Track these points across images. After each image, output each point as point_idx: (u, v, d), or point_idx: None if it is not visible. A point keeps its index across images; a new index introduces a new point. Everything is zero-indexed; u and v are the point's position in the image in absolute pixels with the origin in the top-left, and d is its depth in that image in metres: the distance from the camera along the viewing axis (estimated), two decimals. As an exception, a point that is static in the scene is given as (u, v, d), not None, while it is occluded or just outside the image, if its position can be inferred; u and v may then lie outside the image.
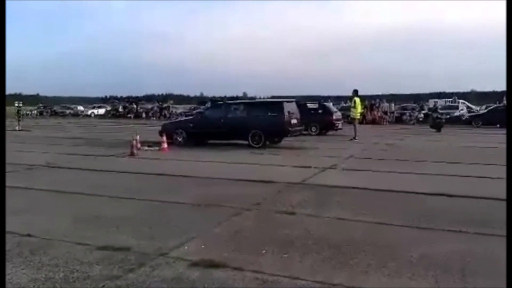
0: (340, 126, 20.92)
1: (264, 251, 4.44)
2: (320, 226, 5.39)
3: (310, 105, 21.08)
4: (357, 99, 18.04)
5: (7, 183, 8.03)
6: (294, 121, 15.03)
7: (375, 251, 4.42)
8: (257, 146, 14.22)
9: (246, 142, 14.47)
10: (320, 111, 20.77)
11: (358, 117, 18.16)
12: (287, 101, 16.08)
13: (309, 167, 9.95)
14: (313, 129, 19.71)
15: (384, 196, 7.11)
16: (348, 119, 20.30)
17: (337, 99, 50.21)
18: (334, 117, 20.90)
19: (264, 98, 48.49)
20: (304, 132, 16.76)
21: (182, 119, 22.07)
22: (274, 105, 15.56)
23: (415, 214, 5.85)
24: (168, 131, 15.33)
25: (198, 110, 28.84)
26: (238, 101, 20.71)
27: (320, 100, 28.13)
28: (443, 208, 6.26)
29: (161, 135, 14.83)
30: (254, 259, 4.22)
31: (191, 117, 20.57)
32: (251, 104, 16.97)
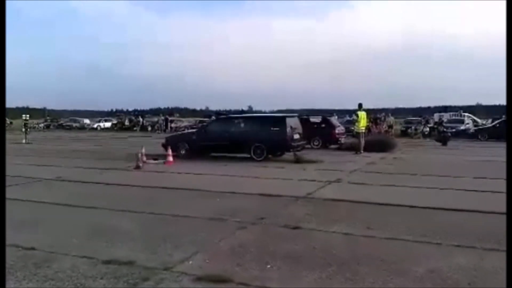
0: (343, 140, 20.95)
1: (268, 266, 4.41)
2: (325, 240, 5.36)
3: (313, 119, 21.17)
4: (361, 113, 18.01)
5: (14, 196, 8.12)
6: (296, 135, 15.22)
7: (381, 266, 4.38)
8: (259, 159, 14.35)
9: (249, 156, 14.56)
10: (323, 125, 20.87)
11: (362, 130, 18.10)
12: (290, 116, 16.22)
13: (314, 180, 9.93)
14: (316, 143, 19.73)
15: (391, 210, 7.06)
16: (353, 133, 20.24)
17: (342, 113, 50.26)
18: (336, 131, 20.96)
19: (269, 112, 48.66)
20: (307, 146, 16.76)
21: (185, 132, 22.27)
22: (277, 119, 15.67)
23: (422, 228, 5.81)
24: (171, 144, 15.44)
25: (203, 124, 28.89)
26: (241, 115, 20.86)
27: (327, 114, 28.16)
28: (450, 223, 6.21)
29: (164, 148, 15.07)
30: (259, 274, 4.20)
31: (194, 130, 20.67)
32: (254, 118, 17.12)
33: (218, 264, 4.47)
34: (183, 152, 15.43)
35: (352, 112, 34.72)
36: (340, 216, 6.57)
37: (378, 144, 18.38)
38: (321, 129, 20.43)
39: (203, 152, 15.23)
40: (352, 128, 21.08)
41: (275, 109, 75.65)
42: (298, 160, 13.98)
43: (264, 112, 48.85)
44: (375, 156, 15.93)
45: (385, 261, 4.55)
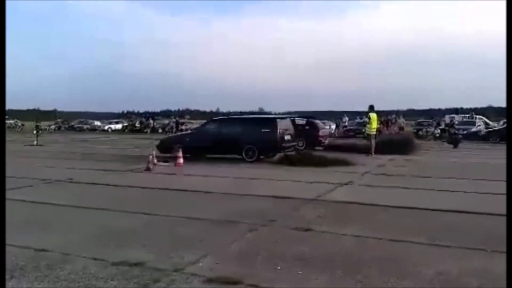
0: (326, 142, 21.25)
1: (279, 268, 4.40)
2: (335, 243, 5.34)
3: (298, 121, 21.35)
4: (373, 115, 17.94)
5: (25, 198, 8.20)
6: (287, 137, 15.44)
7: (391, 269, 4.36)
8: (250, 160, 14.57)
9: (240, 157, 14.82)
10: (307, 127, 21.09)
11: (374, 132, 18.01)
12: (281, 118, 16.55)
13: (325, 182, 9.90)
14: (300, 144, 19.66)
15: (401, 213, 7.02)
16: (364, 135, 20.15)
17: (352, 114, 50.03)
18: (320, 133, 21.30)
19: (279, 114, 48.56)
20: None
21: (179, 134, 22.79)
22: (268, 121, 15.95)
23: (433, 231, 5.76)
24: (166, 146, 15.93)
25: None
26: (233, 116, 21.06)
27: (337, 115, 28.23)
28: (460, 225, 6.16)
29: (158, 150, 15.66)
30: (269, 276, 4.19)
31: (188, 132, 21.16)
32: (245, 120, 17.32)
33: (228, 266, 4.47)
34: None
35: (363, 114, 34.67)
36: (350, 219, 6.54)
37: (400, 144, 18.07)
38: (305, 131, 20.64)
39: (196, 154, 15.34)
40: (363, 130, 21.02)
41: (285, 110, 75.65)
42: (290, 162, 13.98)
43: (275, 114, 48.85)
44: (386, 158, 15.83)
45: (395, 263, 4.52)
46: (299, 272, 4.29)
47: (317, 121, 23.93)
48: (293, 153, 15.30)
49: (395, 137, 19.31)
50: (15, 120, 60.82)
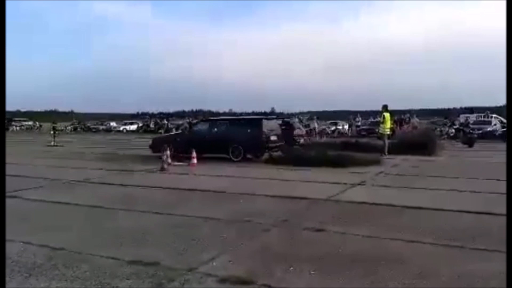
0: (302, 141, 21.58)
1: (291, 268, 4.43)
2: (349, 243, 5.34)
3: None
4: (386, 114, 17.83)
5: (43, 198, 8.35)
6: (273, 137, 15.78)
7: (406, 270, 4.35)
8: (236, 160, 14.87)
9: (228, 156, 15.20)
10: (283, 127, 21.36)
11: (388, 132, 17.89)
12: (267, 118, 17.12)
13: (338, 183, 9.89)
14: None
15: (416, 213, 6.98)
16: (378, 134, 20.04)
17: (365, 114, 49.73)
18: (295, 133, 21.75)
19: (290, 114, 48.55)
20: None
21: (170, 134, 23.62)
22: (254, 121, 16.37)
23: (448, 232, 5.72)
24: (158, 145, 16.19)
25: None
26: (221, 117, 21.36)
27: (351, 115, 28.20)
28: (477, 226, 6.10)
29: (151, 149, 16.52)
30: (282, 276, 4.22)
31: (178, 132, 21.90)
32: (232, 120, 17.77)
33: (242, 265, 4.51)
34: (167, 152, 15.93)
35: (376, 114, 34.44)
36: (364, 219, 6.53)
37: (422, 144, 17.40)
38: (282, 131, 20.93)
39: (186, 153, 15.35)
40: (377, 129, 20.91)
41: (298, 110, 75.37)
42: (273, 161, 14.38)
43: (287, 114, 48.80)
44: (400, 158, 15.70)
45: (410, 265, 4.50)
46: (312, 273, 4.31)
47: (294, 121, 24.76)
48: (278, 152, 15.60)
49: (417, 137, 18.80)
50: (34, 121, 61.82)
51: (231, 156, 15.09)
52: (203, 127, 17.10)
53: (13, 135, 43.70)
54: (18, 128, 56.11)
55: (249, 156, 15.33)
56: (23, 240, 5.41)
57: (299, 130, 23.39)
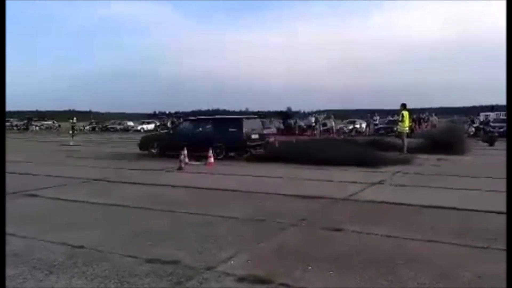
0: (271, 140, 21.39)
1: (310, 268, 4.40)
2: (367, 243, 5.29)
3: None
4: (405, 113, 17.62)
5: (63, 196, 8.46)
6: (254, 136, 16.40)
7: (425, 270, 4.28)
8: (218, 158, 15.14)
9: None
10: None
11: (406, 131, 17.67)
12: (248, 118, 17.74)
13: (356, 182, 9.81)
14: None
15: (436, 213, 6.88)
16: (396, 133, 19.81)
17: (383, 113, 49.29)
18: (264, 132, 21.59)
19: (307, 113, 48.40)
20: None
21: (157, 133, 24.84)
22: (235, 121, 16.89)
23: (469, 232, 5.63)
24: (146, 144, 17.54)
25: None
26: (204, 117, 21.94)
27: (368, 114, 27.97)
28: (499, 227, 5.96)
29: (139, 148, 17.51)
30: (300, 276, 4.20)
31: (165, 131, 22.66)
32: (215, 120, 18.24)
33: (260, 264, 4.50)
34: (154, 151, 17.09)
35: (394, 112, 34.08)
36: (383, 219, 6.47)
37: (450, 143, 16.91)
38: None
39: (171, 151, 15.92)
40: (395, 128, 20.67)
41: (316, 109, 75.03)
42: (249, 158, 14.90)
43: (303, 113, 48.64)
44: (421, 157, 15.48)
45: (430, 265, 4.44)
46: (331, 272, 4.28)
47: (263, 121, 24.86)
48: (261, 151, 16.06)
49: (444, 135, 18.27)
50: (53, 121, 62.86)
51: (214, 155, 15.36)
52: (187, 126, 17.91)
53: (32, 134, 44.49)
54: (37, 128, 57.06)
55: (231, 154, 15.86)
56: (43, 238, 5.48)
57: (268, 129, 23.40)
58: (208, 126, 17.05)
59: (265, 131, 21.01)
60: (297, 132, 35.82)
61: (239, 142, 15.80)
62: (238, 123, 16.31)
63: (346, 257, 4.73)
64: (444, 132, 19.49)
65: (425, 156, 15.54)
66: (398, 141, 17.88)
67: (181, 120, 49.35)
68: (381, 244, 5.23)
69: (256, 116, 20.09)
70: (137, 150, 17.94)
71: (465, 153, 16.48)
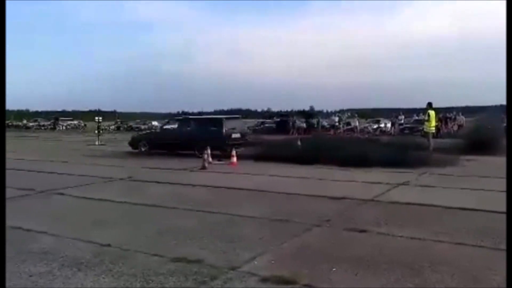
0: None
1: (334, 269, 4.37)
2: (393, 245, 5.22)
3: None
4: (431, 112, 17.32)
5: (90, 195, 8.61)
6: (236, 135, 17.14)
7: (453, 273, 4.21)
8: (200, 156, 15.30)
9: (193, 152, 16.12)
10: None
11: (433, 130, 17.38)
12: (229, 117, 18.56)
13: (381, 183, 9.69)
14: None
15: (463, 214, 6.75)
16: (422, 133, 19.52)
17: (409, 112, 48.57)
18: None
19: (330, 112, 48.14)
20: None
21: (146, 132, 26.37)
22: (216, 121, 17.70)
23: (497, 234, 5.49)
24: (135, 142, 18.75)
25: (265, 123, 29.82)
26: (189, 117, 22.45)
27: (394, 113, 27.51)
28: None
29: (130, 146, 18.65)
30: (325, 277, 4.18)
31: (152, 131, 23.91)
32: (198, 120, 19.29)
33: (284, 265, 4.49)
34: (143, 149, 18.15)
35: (420, 111, 33.57)
36: (408, 220, 6.38)
37: (484, 142, 16.40)
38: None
39: (159, 149, 17.42)
40: (421, 127, 20.35)
41: (339, 108, 74.52)
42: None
43: (326, 112, 48.34)
44: (448, 157, 15.13)
45: (457, 268, 4.36)
46: (356, 274, 4.24)
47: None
48: (241, 149, 16.38)
49: (475, 134, 17.62)
50: (79, 120, 64.14)
51: (196, 153, 15.82)
52: (173, 126, 18.75)
53: (59, 134, 45.45)
54: (64, 127, 58.29)
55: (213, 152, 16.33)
56: (71, 236, 5.59)
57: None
58: (192, 126, 17.83)
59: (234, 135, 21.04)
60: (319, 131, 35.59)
61: (220, 141, 16.34)
62: (219, 122, 17.15)
63: (371, 259, 4.68)
64: (475, 131, 18.94)
65: (454, 156, 15.21)
66: (424, 141, 17.59)
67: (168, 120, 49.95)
68: (406, 246, 5.16)
69: (239, 116, 21.37)
70: (161, 150, 18.15)
71: (496, 153, 16.00)
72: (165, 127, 19.86)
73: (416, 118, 35.29)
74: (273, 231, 5.83)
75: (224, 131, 16.65)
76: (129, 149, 18.84)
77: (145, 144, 18.30)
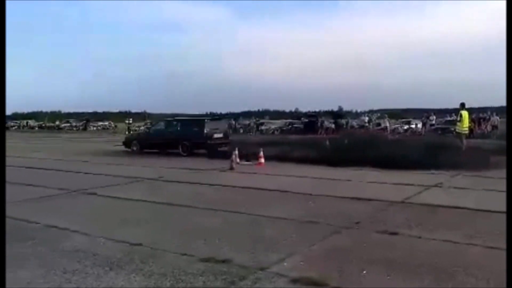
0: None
1: (365, 272, 4.30)
2: (425, 248, 5.11)
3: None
4: (464, 113, 16.86)
5: (120, 195, 8.77)
6: (217, 135, 18.56)
7: (487, 278, 4.09)
8: (185, 154, 17.58)
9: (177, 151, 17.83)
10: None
11: (465, 131, 16.92)
12: (211, 119, 20.68)
13: (412, 185, 9.50)
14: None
15: (496, 217, 6.51)
16: (454, 134, 19.04)
17: (440, 113, 47.50)
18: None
19: (360, 112, 47.58)
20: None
21: (138, 132, 27.95)
22: (198, 122, 19.24)
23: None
24: (128, 142, 20.25)
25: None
26: (175, 118, 23.27)
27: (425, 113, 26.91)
28: None
29: (124, 146, 20.08)
30: (355, 280, 4.12)
31: (142, 131, 25.54)
32: (182, 121, 20.43)
33: (313, 267, 4.45)
34: (135, 148, 19.49)
35: (452, 112, 32.79)
36: (441, 223, 6.24)
37: None
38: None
39: (148, 148, 18.94)
40: (453, 128, 19.87)
41: (369, 108, 73.46)
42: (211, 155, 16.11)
43: (355, 112, 47.83)
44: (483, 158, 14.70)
45: (492, 272, 4.22)
46: (387, 277, 4.16)
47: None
48: (226, 148, 17.30)
49: None
50: (109, 122, 65.54)
51: (180, 152, 17.75)
52: (161, 127, 20.44)
53: (90, 134, 46.52)
54: (95, 128, 59.68)
55: (195, 151, 17.74)
56: (103, 235, 5.69)
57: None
58: (177, 127, 19.25)
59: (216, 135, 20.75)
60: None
61: (201, 141, 17.85)
62: (200, 124, 18.64)
63: (403, 261, 4.59)
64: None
65: (487, 158, 14.77)
66: (457, 141, 17.15)
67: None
68: (439, 249, 5.04)
69: (219, 117, 23.37)
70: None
71: None
72: (153, 128, 21.87)
73: (448, 118, 34.48)
74: (302, 233, 5.80)
75: (205, 131, 18.07)
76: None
77: (136, 144, 19.68)
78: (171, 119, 21.89)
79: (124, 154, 19.22)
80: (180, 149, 17.89)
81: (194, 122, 19.58)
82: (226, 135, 19.49)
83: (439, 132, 30.69)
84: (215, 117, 23.02)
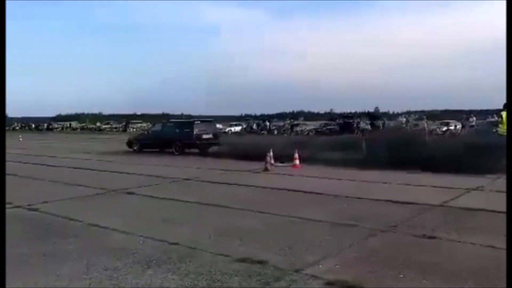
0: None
1: (402, 276, 4.25)
2: (464, 252, 5.00)
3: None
4: (505, 114, 16.29)
5: (157, 195, 8.96)
6: (206, 136, 20.06)
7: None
8: (177, 154, 19.18)
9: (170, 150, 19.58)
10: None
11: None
12: (202, 121, 22.29)
13: (452, 187, 9.27)
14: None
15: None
16: (496, 135, 18.43)
17: (481, 114, 46.08)
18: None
19: (396, 113, 46.69)
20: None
21: (139, 133, 29.56)
22: (188, 123, 20.91)
23: None
24: (131, 143, 21.87)
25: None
26: (170, 120, 25.38)
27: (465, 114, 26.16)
28: None
29: (128, 146, 21.70)
30: (392, 283, 4.07)
31: (143, 132, 26.76)
32: (175, 123, 22.45)
33: (349, 269, 4.43)
34: (135, 148, 21.24)
35: (494, 113, 31.74)
36: (480, 227, 6.08)
37: None
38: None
39: (147, 148, 20.66)
40: (495, 130, 19.26)
41: (406, 109, 71.89)
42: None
43: (392, 114, 46.96)
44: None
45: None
46: (425, 281, 4.10)
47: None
48: (216, 148, 19.34)
49: None
50: (147, 123, 67.05)
51: (173, 151, 19.39)
52: (158, 128, 22.38)
53: (129, 136, 47.67)
54: (134, 129, 61.17)
55: (187, 150, 19.35)
56: (142, 234, 5.85)
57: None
58: (171, 128, 21.19)
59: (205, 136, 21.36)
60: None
61: (191, 141, 19.54)
62: (190, 125, 20.27)
63: (440, 266, 4.50)
64: None
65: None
66: (499, 143, 16.57)
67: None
68: (478, 254, 4.92)
69: (211, 119, 24.89)
70: (225, 151, 18.55)
71: None
72: (151, 129, 23.77)
73: (490, 119, 33.39)
74: (337, 235, 5.77)
75: (194, 132, 19.66)
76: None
77: (136, 144, 21.43)
78: (165, 121, 23.98)
79: (124, 153, 20.86)
80: (173, 148, 19.54)
81: (185, 124, 21.09)
82: (215, 136, 21.01)
83: (480, 133, 29.77)
84: (205, 119, 24.60)
